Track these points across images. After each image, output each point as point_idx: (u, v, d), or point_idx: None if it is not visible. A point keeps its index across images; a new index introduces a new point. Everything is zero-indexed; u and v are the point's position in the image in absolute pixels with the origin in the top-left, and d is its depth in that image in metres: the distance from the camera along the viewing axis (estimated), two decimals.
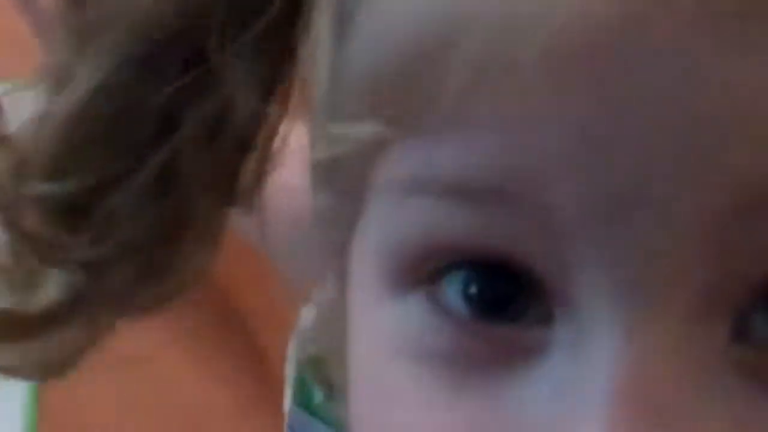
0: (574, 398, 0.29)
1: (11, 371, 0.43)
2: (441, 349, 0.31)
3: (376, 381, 0.33)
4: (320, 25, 0.34)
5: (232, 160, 0.40)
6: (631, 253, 0.29)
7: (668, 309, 0.29)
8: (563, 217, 0.29)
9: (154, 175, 0.39)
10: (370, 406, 0.34)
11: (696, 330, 0.29)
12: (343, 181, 0.34)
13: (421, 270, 0.32)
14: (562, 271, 0.30)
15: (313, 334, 0.51)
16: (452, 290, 0.31)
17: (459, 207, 0.30)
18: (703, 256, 0.29)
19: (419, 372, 0.32)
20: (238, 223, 0.42)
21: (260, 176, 0.40)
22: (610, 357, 0.29)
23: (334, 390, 0.41)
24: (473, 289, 0.31)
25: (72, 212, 0.39)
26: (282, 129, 0.40)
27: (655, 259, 0.29)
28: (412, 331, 0.32)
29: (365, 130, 0.32)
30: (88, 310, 0.41)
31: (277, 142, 0.40)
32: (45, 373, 0.43)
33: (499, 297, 0.31)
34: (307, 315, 0.56)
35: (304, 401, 0.62)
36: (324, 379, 0.49)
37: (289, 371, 0.58)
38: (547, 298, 0.31)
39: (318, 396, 0.61)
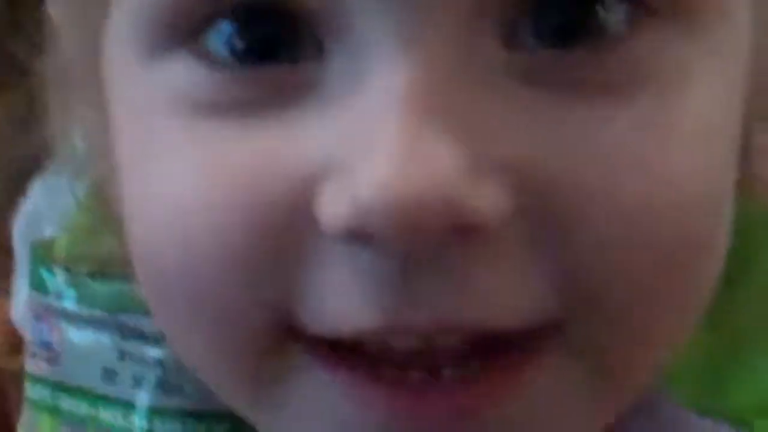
0: (360, 118, 0.30)
1: None
2: (212, 100, 0.32)
3: (145, 147, 0.33)
4: None
5: None
6: None
7: (441, 16, 0.30)
8: None
9: None
10: (144, 175, 0.33)
11: (470, 36, 0.30)
12: None
13: (184, 24, 0.32)
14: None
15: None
16: (216, 41, 0.32)
17: None
18: None
19: (193, 127, 0.32)
20: None
21: None
22: (389, 69, 0.29)
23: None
24: (238, 36, 0.31)
25: None
26: None
27: None
28: (180, 87, 0.32)
29: None
30: None
31: None
32: None
33: (265, 40, 0.31)
34: (35, 194, 0.53)
35: (42, 287, 0.59)
36: (68, 258, 0.47)
37: (22, 255, 0.56)
38: (318, 33, 0.31)
39: (56, 281, 0.59)
